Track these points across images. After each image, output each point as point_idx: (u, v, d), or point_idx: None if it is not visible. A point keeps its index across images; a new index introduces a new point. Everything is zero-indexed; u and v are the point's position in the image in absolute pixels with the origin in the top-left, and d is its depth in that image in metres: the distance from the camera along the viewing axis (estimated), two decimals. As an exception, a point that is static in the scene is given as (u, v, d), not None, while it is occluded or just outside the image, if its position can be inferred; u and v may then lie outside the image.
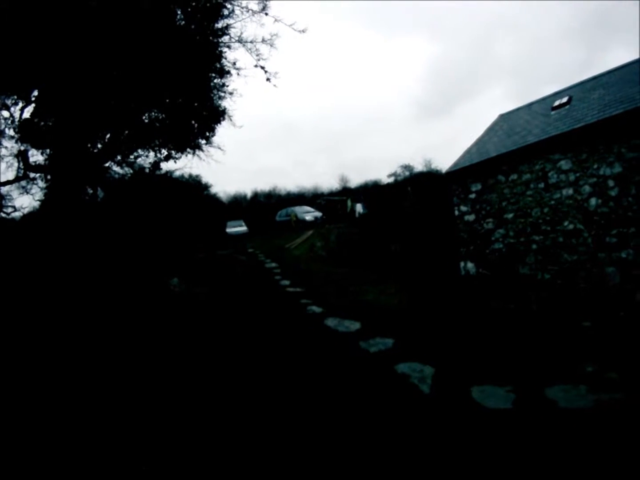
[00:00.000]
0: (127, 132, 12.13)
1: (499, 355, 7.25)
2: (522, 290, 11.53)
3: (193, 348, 7.72)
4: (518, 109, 15.87)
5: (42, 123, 10.48)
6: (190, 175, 23.85)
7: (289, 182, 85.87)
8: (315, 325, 9.41)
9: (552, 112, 12.77)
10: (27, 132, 10.47)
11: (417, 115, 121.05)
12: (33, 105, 10.57)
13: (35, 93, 10.55)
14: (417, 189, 22.48)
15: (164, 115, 12.82)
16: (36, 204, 12.27)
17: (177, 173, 16.20)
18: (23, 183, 11.59)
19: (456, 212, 14.73)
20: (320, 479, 3.97)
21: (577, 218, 10.59)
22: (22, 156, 10.89)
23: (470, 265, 14.15)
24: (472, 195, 13.92)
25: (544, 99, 14.59)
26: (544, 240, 11.47)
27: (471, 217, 14.05)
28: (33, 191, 12.11)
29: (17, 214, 12.28)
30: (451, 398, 5.84)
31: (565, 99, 12.83)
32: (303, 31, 12.35)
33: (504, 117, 16.18)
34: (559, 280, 11.08)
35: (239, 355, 7.52)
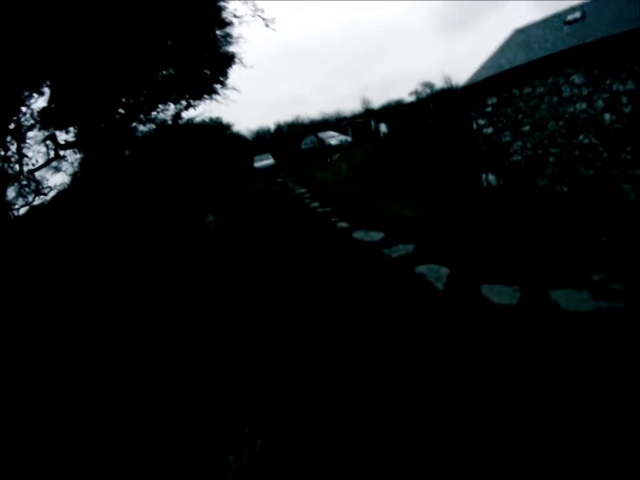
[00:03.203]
0: (145, 92, 12.61)
1: (512, 259, 7.63)
2: (541, 200, 11.74)
3: (234, 268, 8.83)
4: (532, 24, 15.19)
5: (59, 106, 10.95)
6: (211, 119, 24.14)
7: (311, 110, 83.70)
8: (344, 238, 10.14)
9: (566, 27, 12.33)
10: (48, 118, 10.99)
11: (439, 28, 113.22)
12: (48, 93, 11.04)
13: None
14: (438, 106, 22.14)
15: (178, 70, 13.17)
16: (67, 179, 13.09)
17: (198, 119, 16.72)
18: (54, 163, 12.28)
19: (474, 126, 14.73)
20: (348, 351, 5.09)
21: (592, 132, 10.57)
22: (51, 139, 11.48)
23: (491, 177, 14.33)
24: (489, 109, 13.87)
25: (558, 14, 13.93)
26: (560, 153, 11.54)
27: (489, 130, 14.07)
28: (64, 168, 12.81)
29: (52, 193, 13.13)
30: (462, 294, 6.50)
31: (578, 14, 12.31)
32: None
33: (518, 32, 15.59)
34: (577, 193, 11.25)
35: (281, 263, 8.61)
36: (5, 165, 9.81)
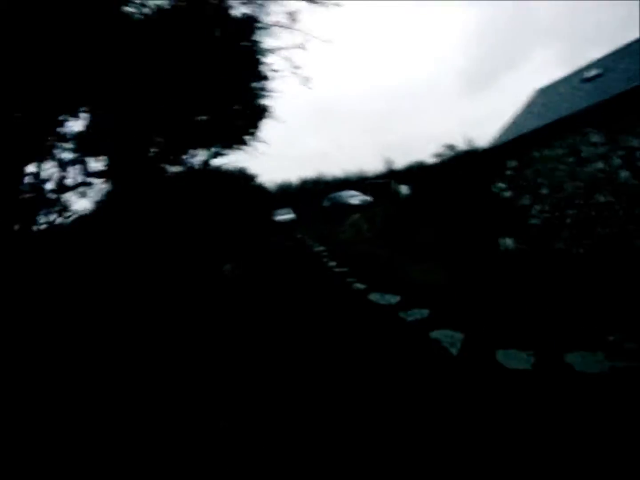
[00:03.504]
0: (179, 135, 13.21)
1: (527, 324, 7.52)
2: (557, 263, 11.73)
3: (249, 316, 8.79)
4: (553, 83, 15.78)
5: (96, 135, 11.52)
6: (237, 168, 24.92)
7: (334, 167, 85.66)
8: (360, 299, 10.13)
9: (585, 84, 12.76)
10: (82, 144, 11.55)
11: (462, 89, 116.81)
12: (87, 119, 11.66)
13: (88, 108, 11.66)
14: (459, 169, 22.51)
15: (211, 118, 13.79)
16: (89, 205, 13.56)
17: (225, 167, 17.31)
18: (81, 189, 12.76)
19: (494, 189, 14.97)
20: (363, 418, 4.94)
21: (608, 190, 10.68)
22: (82, 164, 12.01)
23: (509, 241, 14.38)
24: (509, 172, 14.14)
25: (578, 71, 14.48)
26: (577, 214, 11.62)
27: (508, 194, 14.27)
28: (90, 195, 13.29)
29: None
30: (476, 359, 6.45)
31: (596, 71, 12.76)
32: (329, 41, 13.17)
33: (539, 92, 16.13)
34: (592, 254, 11.19)
35: (293, 323, 8.54)
36: (40, 185, 10.24)
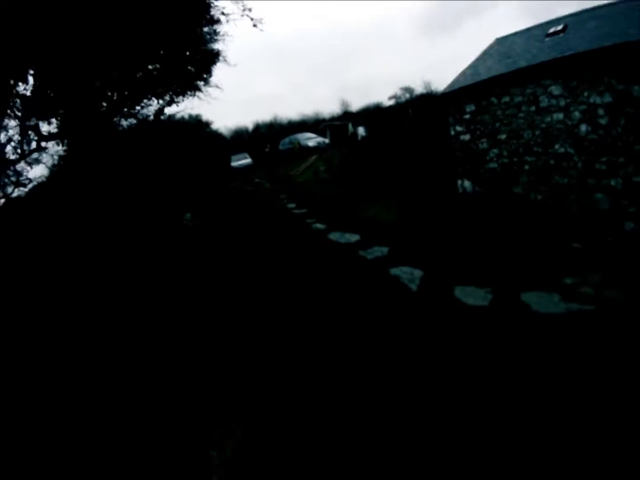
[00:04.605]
0: (130, 86, 12.57)
1: (485, 263, 7.94)
2: (515, 207, 12.10)
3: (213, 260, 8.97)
4: (514, 34, 15.59)
5: (43, 96, 10.84)
6: (191, 116, 24.13)
7: (290, 110, 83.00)
8: (320, 239, 10.35)
9: (547, 39, 12.75)
10: (30, 108, 10.87)
11: (421, 32, 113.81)
12: (31, 82, 10.92)
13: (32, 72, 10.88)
14: (417, 111, 22.47)
15: (163, 66, 13.16)
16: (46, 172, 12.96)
17: (178, 115, 16.74)
18: (35, 155, 12.14)
19: (452, 132, 15.02)
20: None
21: (568, 142, 11.00)
22: (34, 130, 11.34)
23: (467, 183, 14.65)
24: (467, 116, 14.20)
25: (540, 25, 14.35)
26: (536, 162, 11.95)
27: (466, 137, 14.39)
28: (44, 160, 12.67)
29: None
30: (435, 295, 6.79)
31: (560, 27, 12.74)
32: None
33: (499, 41, 15.98)
34: (550, 201, 11.65)
35: (257, 265, 8.66)
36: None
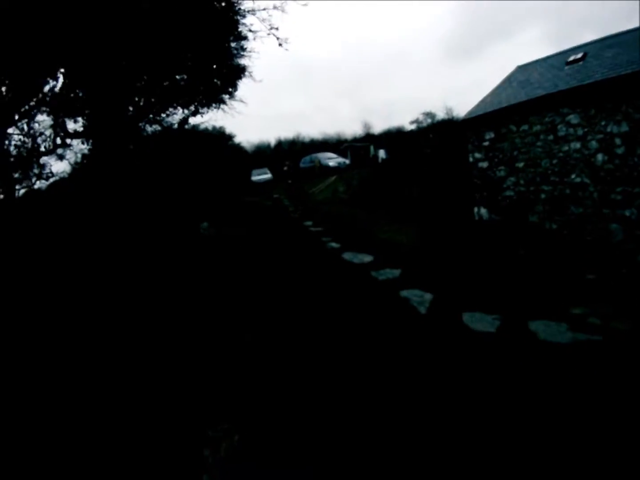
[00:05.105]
0: (157, 94, 12.99)
1: (495, 291, 7.90)
2: (530, 237, 12.07)
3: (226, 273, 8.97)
4: (535, 61, 15.74)
5: (72, 95, 11.23)
6: (215, 128, 24.66)
7: (312, 128, 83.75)
8: (334, 258, 10.41)
9: (566, 67, 12.83)
10: (59, 105, 11.25)
11: (445, 55, 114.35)
12: (61, 80, 11.33)
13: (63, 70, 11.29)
14: (438, 136, 22.62)
15: (190, 77, 13.58)
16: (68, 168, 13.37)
17: (202, 126, 17.19)
18: (59, 151, 12.52)
19: (471, 159, 15.11)
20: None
21: (584, 172, 10.95)
22: (60, 126, 11.74)
23: (483, 210, 14.68)
24: (486, 143, 14.29)
25: (560, 53, 14.47)
26: (552, 191, 11.91)
27: (485, 164, 14.46)
28: (68, 157, 13.08)
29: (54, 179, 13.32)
30: (443, 319, 6.78)
31: (580, 55, 12.82)
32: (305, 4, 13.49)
33: (520, 69, 16.14)
34: (565, 231, 11.58)
35: (269, 279, 8.72)
36: (19, 149, 10.03)
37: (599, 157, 10.58)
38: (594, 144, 10.70)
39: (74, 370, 5.09)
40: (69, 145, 12.22)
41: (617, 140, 10.15)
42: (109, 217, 10.74)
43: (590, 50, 12.87)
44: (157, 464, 3.58)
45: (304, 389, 4.70)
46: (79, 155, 12.80)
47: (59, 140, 11.75)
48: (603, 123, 10.44)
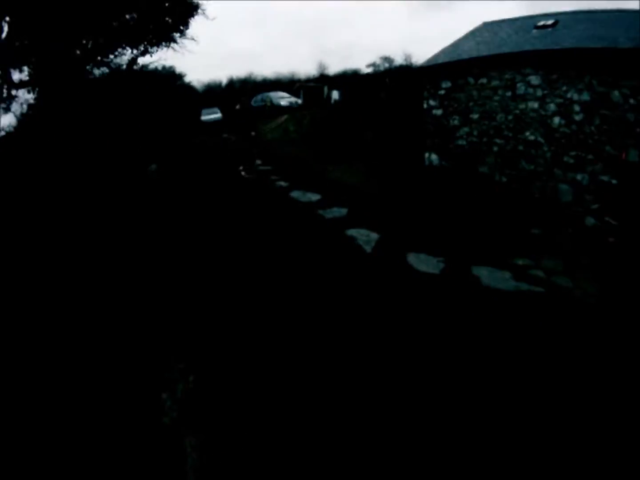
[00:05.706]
0: (105, 35, 12.19)
1: (441, 235, 8.27)
2: (479, 186, 12.46)
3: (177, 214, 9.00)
4: (502, 21, 15.59)
5: (17, 44, 10.44)
6: (164, 67, 23.48)
7: (266, 68, 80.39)
8: (281, 196, 10.52)
9: (534, 31, 12.89)
10: (4, 55, 10.44)
11: (412, 5, 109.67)
12: (6, 29, 10.43)
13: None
14: (394, 81, 22.40)
15: (140, 16, 12.77)
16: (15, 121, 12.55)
17: (152, 66, 16.42)
18: (3, 105, 11.68)
19: (425, 106, 15.10)
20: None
21: (539, 131, 11.32)
22: (4, 77, 10.91)
23: (434, 156, 14.85)
24: (442, 92, 14.31)
25: (530, 17, 14.42)
26: (505, 145, 12.29)
27: (439, 112, 14.53)
28: (13, 109, 12.26)
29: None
30: (388, 259, 7.08)
31: (550, 22, 12.88)
32: None
33: (486, 25, 16.02)
34: (515, 185, 12.04)
35: (216, 217, 8.84)
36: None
37: (556, 119, 10.94)
38: (552, 106, 11.02)
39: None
40: (15, 97, 11.44)
41: (576, 107, 10.50)
42: (51, 162, 10.36)
43: (563, 19, 12.94)
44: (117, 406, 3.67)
45: (247, 327, 4.87)
46: (25, 107, 12.03)
47: (5, 93, 10.96)
48: (564, 89, 10.72)
